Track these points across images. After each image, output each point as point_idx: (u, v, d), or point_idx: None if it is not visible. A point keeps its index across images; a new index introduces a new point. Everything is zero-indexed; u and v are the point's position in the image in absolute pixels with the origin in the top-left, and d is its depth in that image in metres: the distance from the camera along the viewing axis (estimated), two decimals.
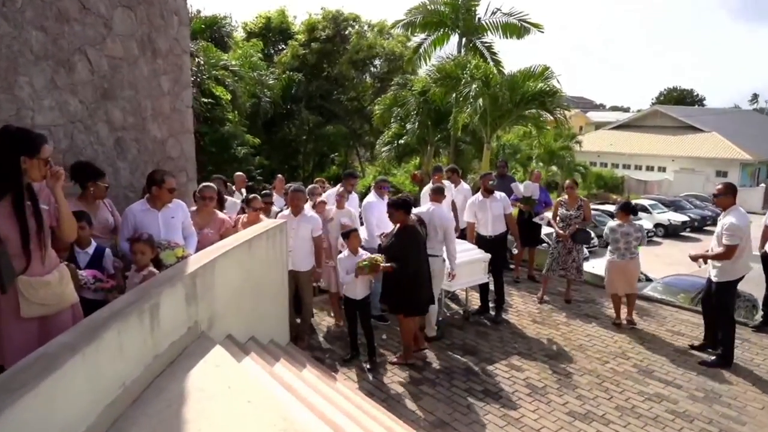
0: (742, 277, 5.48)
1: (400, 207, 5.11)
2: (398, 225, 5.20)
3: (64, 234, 2.81)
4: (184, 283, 3.26)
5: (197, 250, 4.35)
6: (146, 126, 5.40)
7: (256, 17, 27.15)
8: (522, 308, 7.19)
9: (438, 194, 6.01)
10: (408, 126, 16.69)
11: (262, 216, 5.76)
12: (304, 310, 5.94)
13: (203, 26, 16.48)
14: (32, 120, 4.10)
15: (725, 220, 5.32)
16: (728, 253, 5.24)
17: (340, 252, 5.65)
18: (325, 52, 24.90)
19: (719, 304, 5.53)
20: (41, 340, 2.64)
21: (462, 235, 7.23)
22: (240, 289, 4.19)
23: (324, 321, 6.72)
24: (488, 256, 6.48)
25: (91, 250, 3.69)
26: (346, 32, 26.03)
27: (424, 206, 6.11)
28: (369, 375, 5.22)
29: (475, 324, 6.61)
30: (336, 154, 28.32)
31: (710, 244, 5.65)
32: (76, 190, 4.18)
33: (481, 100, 12.20)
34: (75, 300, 2.77)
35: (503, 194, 7.01)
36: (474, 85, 12.18)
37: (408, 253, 5.09)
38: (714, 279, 5.49)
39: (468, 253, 6.40)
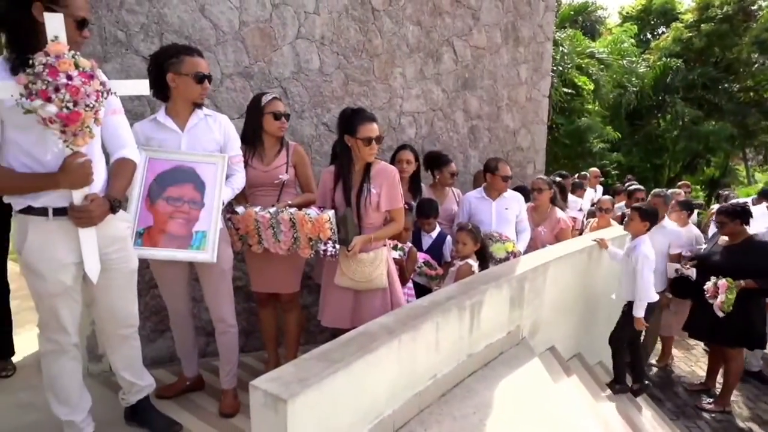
0: None
1: (738, 215, 4.39)
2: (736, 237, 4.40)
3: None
4: (510, 284, 3.05)
5: (529, 248, 4.09)
6: (500, 115, 5.39)
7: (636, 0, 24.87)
8: None
9: None
10: None
11: (612, 221, 5.17)
12: (647, 335, 5.08)
13: (572, 13, 15.90)
14: (400, 107, 4.50)
15: None
16: None
17: None
18: (720, 33, 20.88)
19: None
20: (354, 312, 2.87)
21: None
22: (572, 299, 3.78)
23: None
24: None
25: (434, 234, 3.80)
26: (754, 6, 21.21)
27: None
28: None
29: None
30: (712, 156, 23.76)
31: None
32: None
33: None
34: (384, 285, 2.84)
35: None
36: None
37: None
38: None
39: None
